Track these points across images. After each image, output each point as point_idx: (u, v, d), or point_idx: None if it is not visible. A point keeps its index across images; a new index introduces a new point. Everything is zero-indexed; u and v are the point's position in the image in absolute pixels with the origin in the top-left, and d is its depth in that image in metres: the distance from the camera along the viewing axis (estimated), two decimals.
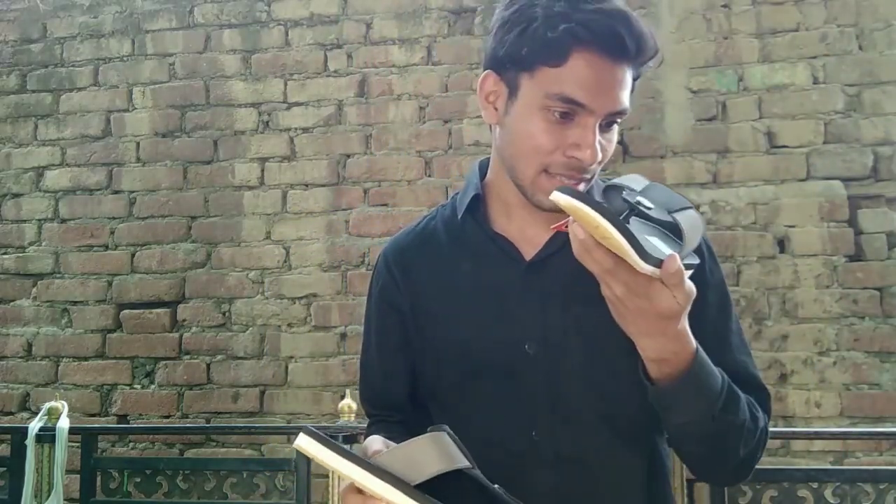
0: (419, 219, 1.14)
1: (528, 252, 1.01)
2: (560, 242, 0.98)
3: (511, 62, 0.94)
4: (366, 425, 1.17)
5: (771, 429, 0.99)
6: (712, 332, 0.97)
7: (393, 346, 1.10)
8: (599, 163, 0.94)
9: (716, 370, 0.90)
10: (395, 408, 1.12)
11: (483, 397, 0.99)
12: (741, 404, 0.92)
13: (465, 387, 1.01)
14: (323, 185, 2.94)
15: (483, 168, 1.09)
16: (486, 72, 0.99)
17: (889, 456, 2.45)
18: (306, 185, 2.95)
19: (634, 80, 0.95)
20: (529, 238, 1.02)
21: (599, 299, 0.86)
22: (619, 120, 0.95)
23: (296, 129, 2.98)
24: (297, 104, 2.99)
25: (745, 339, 1.04)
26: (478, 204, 1.05)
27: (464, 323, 1.01)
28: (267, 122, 3.01)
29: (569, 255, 0.91)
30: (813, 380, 2.54)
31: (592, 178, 0.97)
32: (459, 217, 1.05)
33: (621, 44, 0.89)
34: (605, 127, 0.94)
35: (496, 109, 0.99)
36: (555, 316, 0.98)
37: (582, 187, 0.95)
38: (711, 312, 0.99)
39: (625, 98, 0.92)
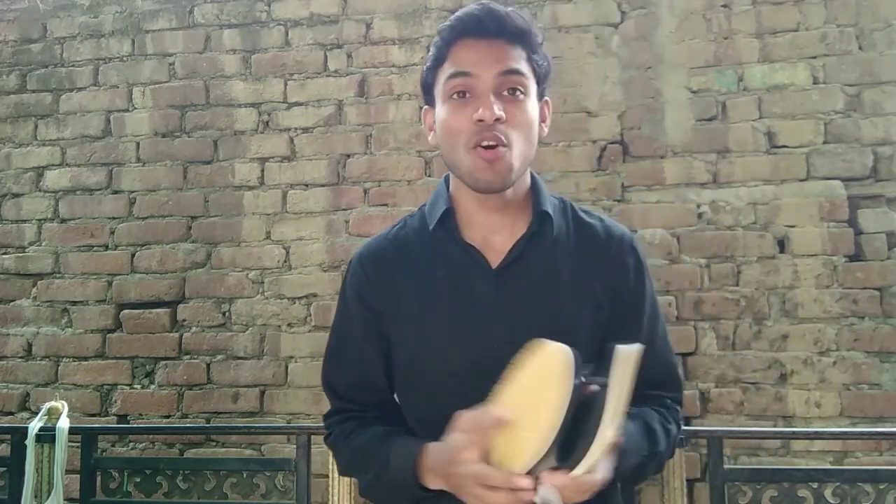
0: (389, 227, 1.22)
1: (494, 259, 1.09)
2: (521, 247, 1.09)
3: (426, 88, 1.14)
4: (329, 418, 1.23)
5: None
6: (644, 335, 1.09)
7: (372, 347, 1.16)
8: (513, 128, 1.04)
9: (635, 434, 1.02)
10: (373, 405, 1.18)
11: (455, 397, 1.02)
12: (657, 436, 1.07)
13: (438, 388, 1.07)
14: (323, 185, 2.93)
15: (449, 183, 1.18)
16: (424, 108, 1.17)
17: (889, 456, 2.45)
18: (306, 185, 2.95)
19: (533, 54, 1.08)
20: (494, 246, 1.10)
21: (565, 299, 0.96)
22: (520, 88, 1.06)
23: (296, 129, 2.98)
24: (297, 104, 2.99)
25: (670, 339, 1.21)
26: (448, 216, 1.13)
27: (437, 328, 1.08)
28: (267, 122, 3.00)
29: (532, 259, 1.07)
30: (813, 380, 2.54)
31: (510, 146, 1.04)
32: (431, 228, 1.13)
33: (480, 24, 1.06)
34: (509, 95, 1.05)
35: (436, 132, 1.13)
36: (523, 318, 1.05)
37: (511, 157, 1.04)
38: (645, 319, 1.14)
39: (511, 63, 1.06)
